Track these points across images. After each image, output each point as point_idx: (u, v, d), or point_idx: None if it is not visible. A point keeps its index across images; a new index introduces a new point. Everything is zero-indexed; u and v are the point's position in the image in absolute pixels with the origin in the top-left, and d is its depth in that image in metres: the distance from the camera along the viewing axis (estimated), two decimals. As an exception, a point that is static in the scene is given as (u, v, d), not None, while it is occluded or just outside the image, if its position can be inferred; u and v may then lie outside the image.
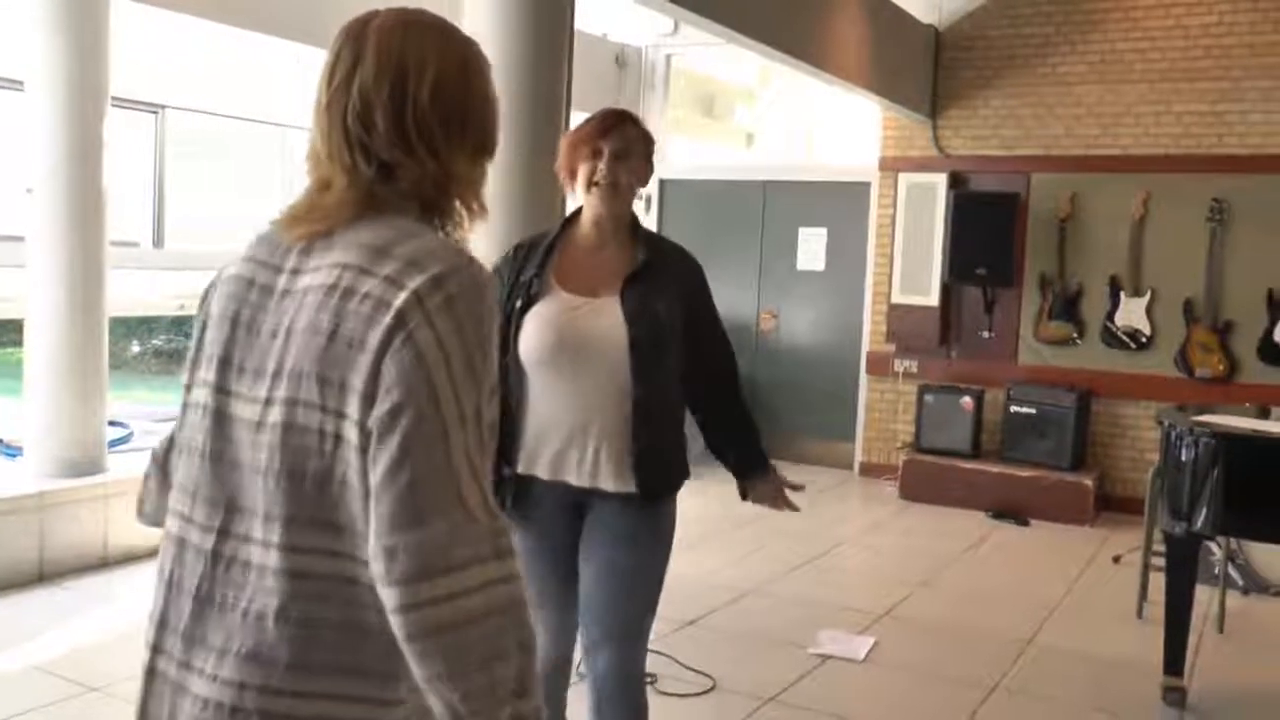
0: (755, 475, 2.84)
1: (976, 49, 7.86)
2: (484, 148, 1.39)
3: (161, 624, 1.32)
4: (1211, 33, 7.16)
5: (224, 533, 1.28)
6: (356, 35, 1.32)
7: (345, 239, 1.28)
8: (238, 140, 6.99)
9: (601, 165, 2.55)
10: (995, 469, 7.34)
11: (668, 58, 9.07)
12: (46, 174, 5.06)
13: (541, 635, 2.25)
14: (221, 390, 1.31)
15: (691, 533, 6.07)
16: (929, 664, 4.51)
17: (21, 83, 5.13)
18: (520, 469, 2.56)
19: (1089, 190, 7.49)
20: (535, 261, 2.61)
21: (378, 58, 1.30)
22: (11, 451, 5.38)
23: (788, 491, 2.87)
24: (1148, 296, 7.31)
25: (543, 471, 2.55)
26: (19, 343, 5.54)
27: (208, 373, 1.33)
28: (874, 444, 8.27)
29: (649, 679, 4.03)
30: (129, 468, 5.39)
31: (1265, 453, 4.01)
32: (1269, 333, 6.96)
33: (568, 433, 2.52)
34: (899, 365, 8.08)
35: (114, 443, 5.58)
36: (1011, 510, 7.13)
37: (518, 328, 2.53)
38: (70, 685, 3.81)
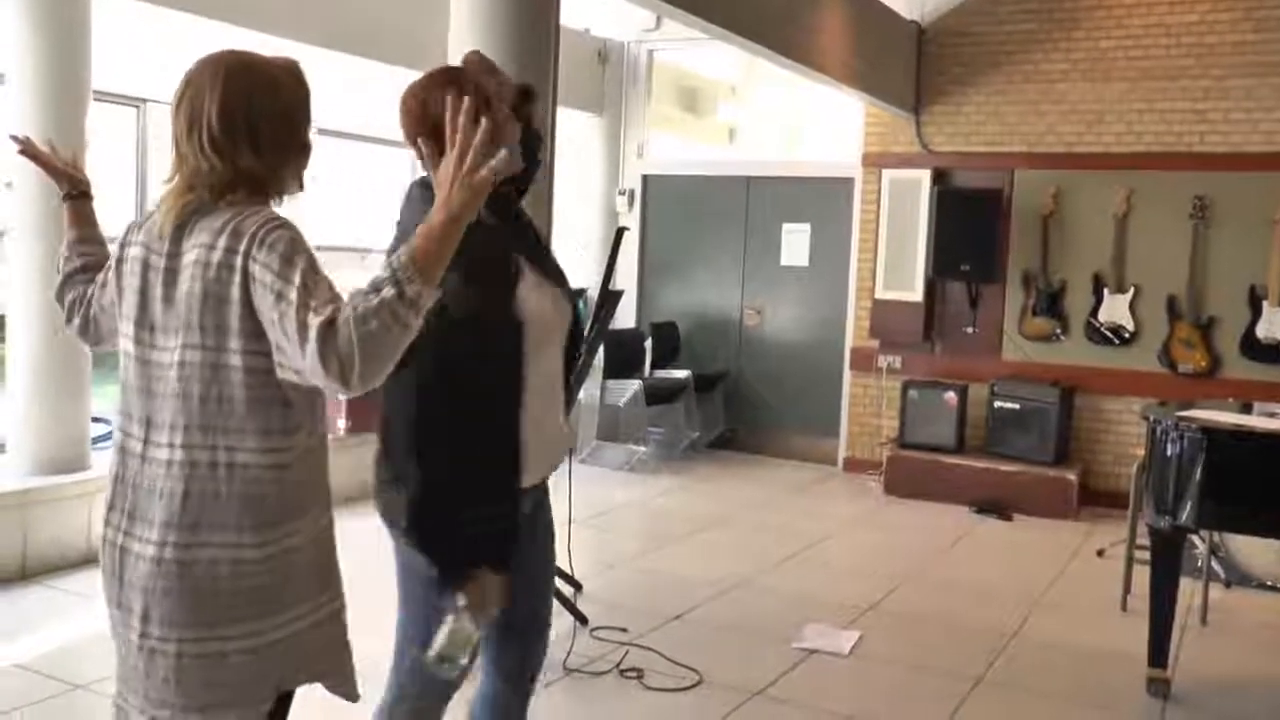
0: None
1: (960, 45, 7.88)
2: (285, 150, 1.87)
3: (110, 507, 1.90)
4: (1194, 31, 7.20)
5: (147, 441, 1.84)
6: (187, 74, 1.87)
7: (202, 225, 1.81)
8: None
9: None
10: (979, 464, 7.37)
11: (650, 53, 9.06)
12: (29, 169, 5.00)
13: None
14: (139, 342, 1.86)
15: (677, 528, 6.09)
16: (914, 657, 4.53)
17: (2, 76, 5.09)
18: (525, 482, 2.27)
19: (1072, 187, 7.53)
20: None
21: (202, 88, 1.83)
22: (-7, 448, 5.35)
23: None
24: (1131, 293, 7.35)
25: (538, 476, 2.36)
26: (1, 339, 5.50)
27: (126, 329, 1.88)
28: (858, 439, 8.29)
29: (634, 673, 4.05)
30: (112, 464, 5.37)
31: (1248, 447, 4.04)
32: (1251, 328, 7.00)
33: (555, 417, 2.38)
34: (883, 361, 8.10)
35: (98, 439, 5.54)
36: (995, 505, 7.16)
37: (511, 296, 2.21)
38: (54, 683, 3.79)
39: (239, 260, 1.74)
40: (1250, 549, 5.53)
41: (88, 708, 3.67)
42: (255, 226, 1.75)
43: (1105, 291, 7.41)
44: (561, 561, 4.72)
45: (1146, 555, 4.28)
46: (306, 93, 1.91)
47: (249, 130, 1.81)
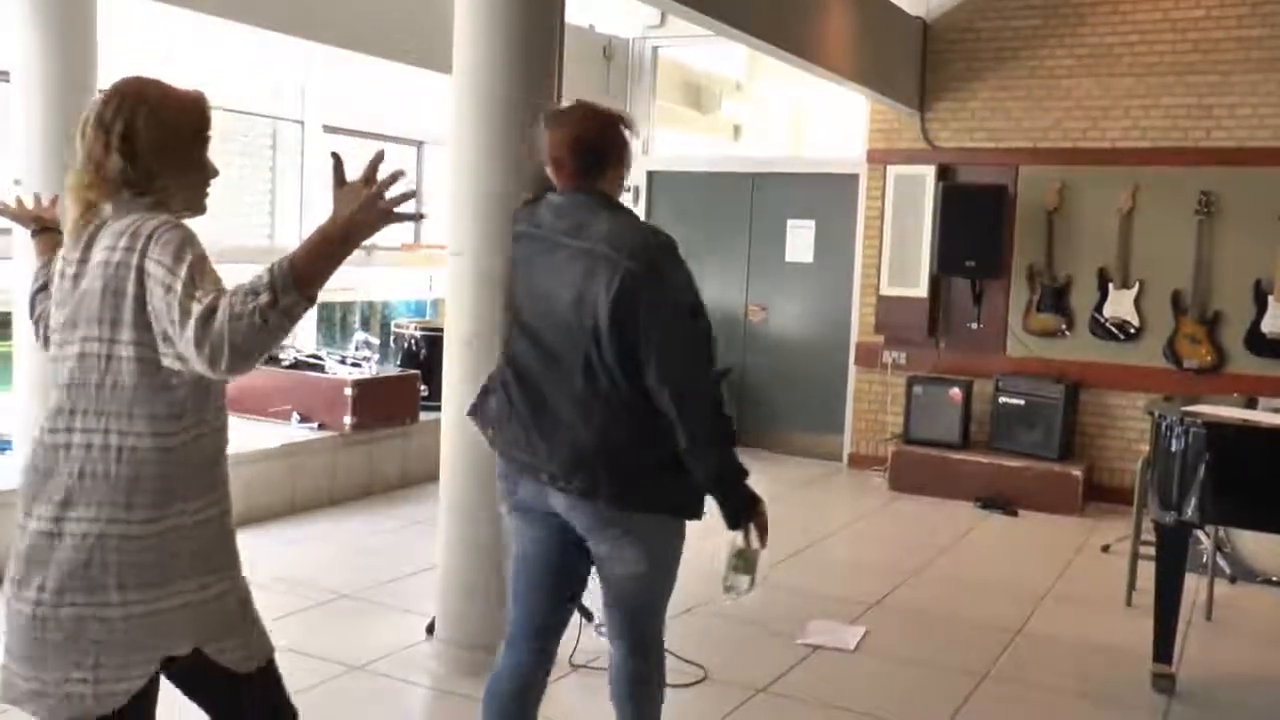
0: None
1: (965, 41, 7.87)
2: (181, 168, 2.04)
3: (21, 495, 2.04)
4: (1199, 26, 7.19)
5: (53, 430, 1.99)
6: (102, 94, 2.04)
7: (106, 231, 1.98)
8: (227, 131, 6.96)
9: None
10: (984, 460, 7.37)
11: (655, 49, 9.06)
12: (34, 165, 5.02)
13: None
14: (59, 343, 2.03)
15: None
16: (919, 653, 4.53)
17: (7, 74, 5.10)
18: None
19: (1077, 183, 7.52)
20: None
21: (96, 105, 2.02)
22: (1, 444, 5.36)
23: None
24: (1136, 288, 7.35)
25: None
26: (7, 337, 5.51)
27: (55, 334, 2.06)
28: (863, 435, 8.29)
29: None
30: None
31: (1253, 442, 4.05)
32: (1256, 324, 6.99)
33: None
34: (888, 357, 8.10)
35: (103, 436, 5.55)
36: (1000, 500, 7.16)
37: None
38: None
39: (135, 259, 1.90)
40: (1256, 544, 5.53)
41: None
42: (151, 228, 1.92)
43: (1110, 287, 7.40)
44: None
45: (1152, 551, 4.28)
46: (198, 123, 2.08)
47: (122, 139, 1.98)
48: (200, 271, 1.86)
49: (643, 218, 8.88)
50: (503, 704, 2.78)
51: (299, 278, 1.80)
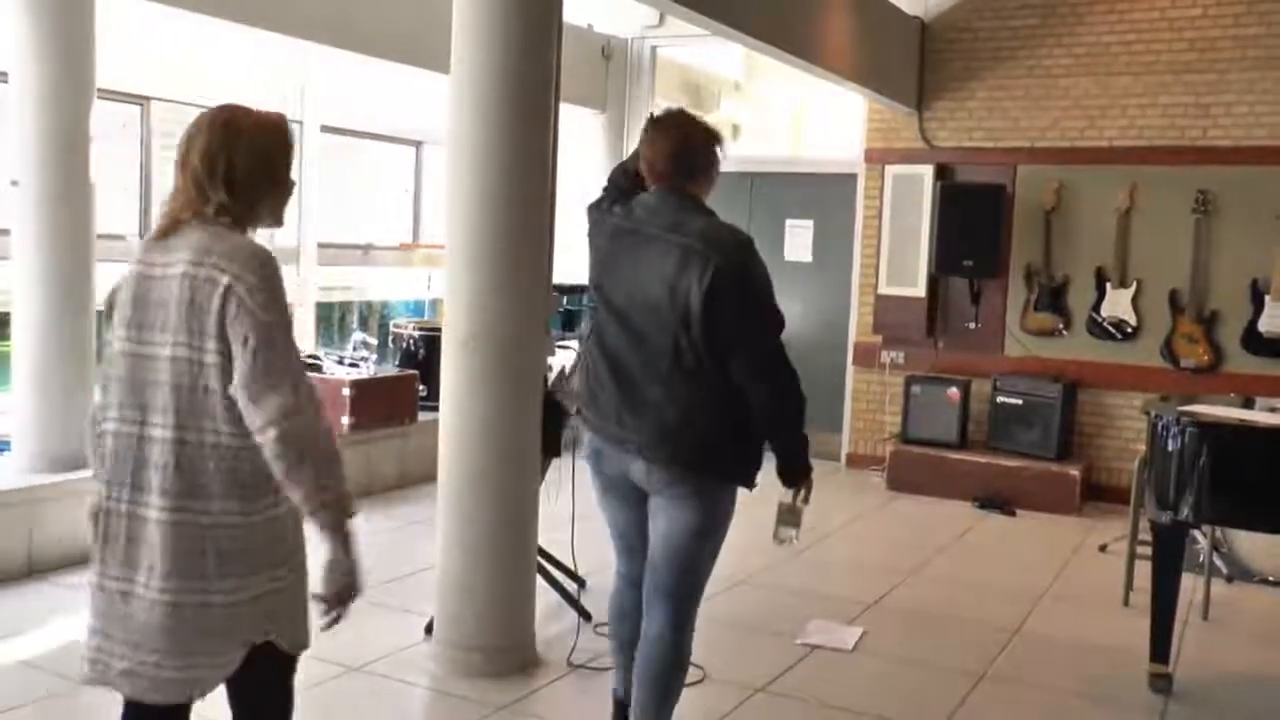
0: None
1: (963, 41, 7.88)
2: (258, 189, 2.23)
3: (110, 481, 2.20)
4: (1196, 25, 7.19)
5: (144, 423, 2.15)
6: (198, 121, 2.24)
7: (184, 243, 2.14)
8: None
9: None
10: (982, 459, 7.38)
11: (653, 49, 9.06)
12: (32, 167, 5.03)
13: None
14: (129, 340, 2.17)
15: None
16: (917, 653, 4.54)
17: (5, 74, 5.10)
18: None
19: (1075, 182, 7.53)
20: None
21: (195, 136, 2.21)
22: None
23: None
24: (1133, 288, 7.35)
25: None
26: (5, 337, 5.51)
27: (119, 332, 2.20)
28: (861, 435, 8.30)
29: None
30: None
31: (1250, 442, 4.05)
32: (1253, 323, 7.00)
33: None
34: (886, 356, 8.10)
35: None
36: (998, 500, 7.16)
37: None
38: (59, 680, 3.80)
39: (223, 279, 2.07)
40: (1252, 544, 5.54)
41: (93, 704, 3.67)
42: (243, 257, 2.11)
43: (1108, 286, 7.41)
44: (564, 558, 4.74)
45: (1149, 550, 4.28)
46: (288, 141, 2.30)
47: (226, 173, 2.16)
48: (281, 338, 2.10)
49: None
50: (635, 622, 3.20)
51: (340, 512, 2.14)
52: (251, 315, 2.05)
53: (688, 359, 2.89)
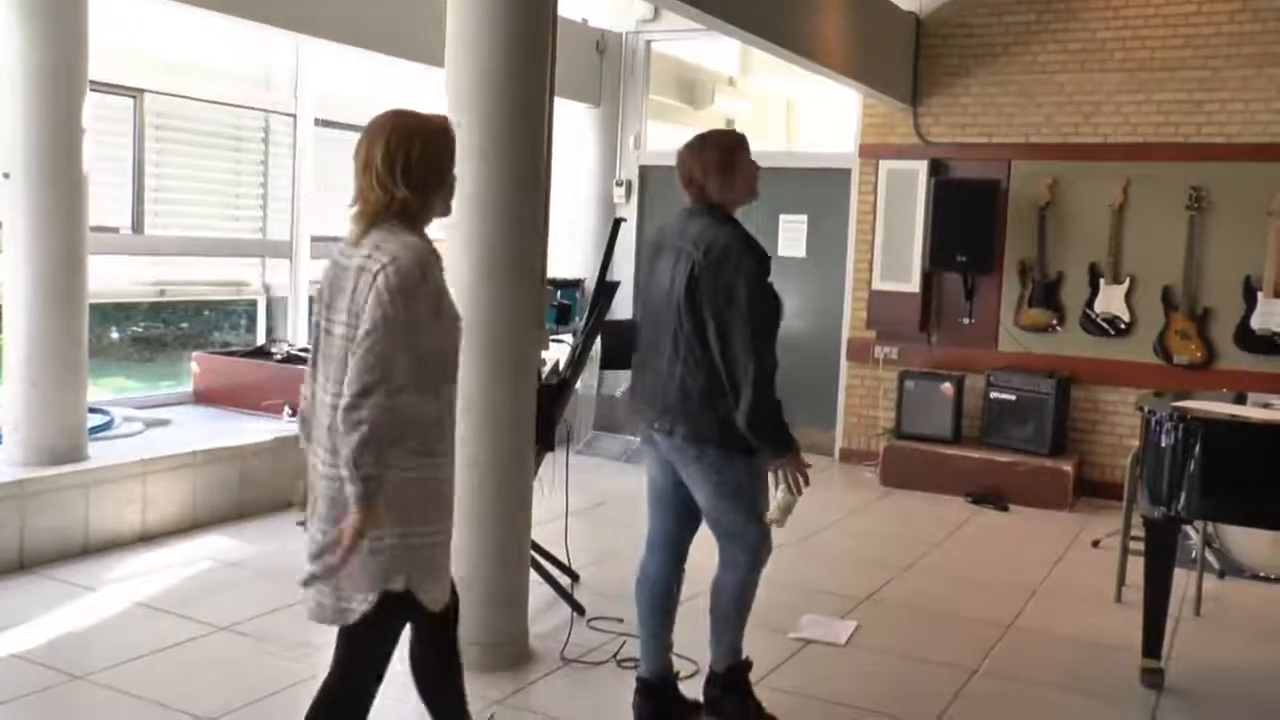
0: None
1: (957, 37, 7.88)
2: (431, 186, 2.56)
3: (308, 439, 2.63)
4: (1191, 22, 7.20)
5: (324, 390, 2.53)
6: (376, 124, 2.55)
7: (369, 239, 2.50)
8: (218, 125, 6.93)
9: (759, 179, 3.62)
10: (975, 454, 7.39)
11: (648, 44, 9.05)
12: (24, 159, 5.01)
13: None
14: (323, 319, 2.57)
15: (674, 519, 6.11)
16: (910, 648, 4.55)
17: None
18: None
19: (1069, 178, 7.54)
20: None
21: (374, 140, 2.53)
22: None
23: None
24: (1127, 284, 7.37)
25: None
26: (-3, 329, 5.49)
27: (319, 311, 2.59)
28: (855, 430, 8.31)
29: (632, 664, 4.07)
30: (109, 455, 5.37)
31: (1242, 438, 4.06)
32: (1245, 320, 7.02)
33: None
34: (879, 352, 8.11)
35: (94, 430, 5.55)
36: (991, 495, 7.18)
37: (774, 294, 3.40)
38: (53, 674, 3.79)
39: (375, 269, 2.42)
40: (1244, 540, 5.55)
41: (86, 698, 3.68)
42: (403, 251, 2.44)
43: (1101, 282, 7.42)
44: (558, 552, 4.74)
45: (1141, 546, 4.29)
46: (452, 140, 2.63)
47: (404, 171, 2.48)
48: (401, 331, 2.40)
49: (634, 214, 8.90)
50: (651, 589, 3.65)
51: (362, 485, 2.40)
52: (379, 301, 2.38)
53: (682, 346, 3.35)
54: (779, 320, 3.43)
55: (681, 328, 3.34)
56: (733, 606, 3.60)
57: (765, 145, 9.01)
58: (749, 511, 3.44)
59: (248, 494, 5.87)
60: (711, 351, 3.30)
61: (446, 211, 2.65)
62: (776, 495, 3.38)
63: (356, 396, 2.35)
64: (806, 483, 3.37)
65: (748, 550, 3.50)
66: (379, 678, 2.65)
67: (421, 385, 2.47)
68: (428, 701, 2.84)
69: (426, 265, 2.45)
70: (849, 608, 4.96)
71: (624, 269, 8.63)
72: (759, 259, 3.35)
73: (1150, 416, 4.20)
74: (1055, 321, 7.59)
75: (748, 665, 3.72)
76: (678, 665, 3.97)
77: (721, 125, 10.03)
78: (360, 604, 2.50)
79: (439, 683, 2.82)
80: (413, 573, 2.51)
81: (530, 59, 3.94)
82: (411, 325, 2.40)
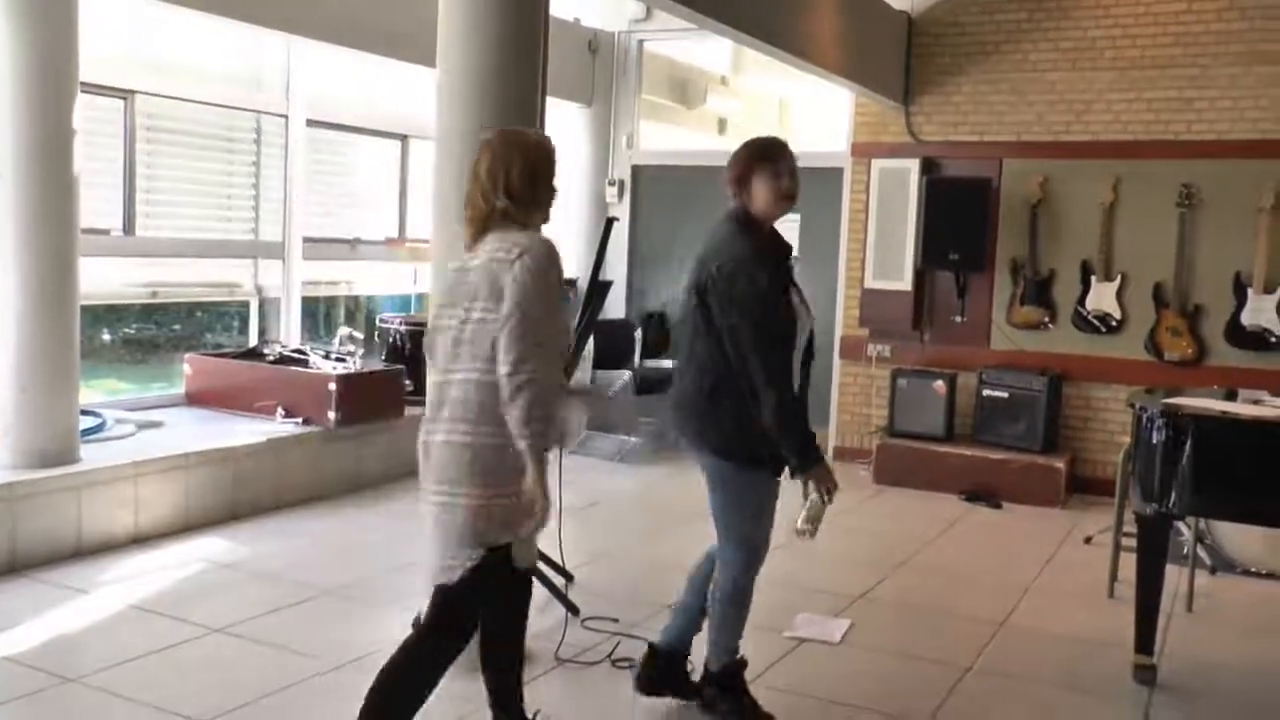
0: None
1: (949, 36, 7.89)
2: (532, 197, 2.95)
3: (426, 419, 3.00)
4: (1181, 20, 7.22)
5: (448, 371, 2.92)
6: (485, 143, 3.00)
7: (486, 241, 2.92)
8: (210, 126, 6.92)
9: (786, 183, 3.51)
10: (968, 452, 7.40)
11: (640, 43, 9.05)
12: (14, 161, 4.99)
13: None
14: (439, 317, 2.99)
15: (668, 518, 6.11)
16: (904, 645, 4.56)
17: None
18: None
19: (1060, 176, 7.55)
20: (776, 252, 3.52)
21: (481, 154, 2.99)
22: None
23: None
24: (1118, 281, 7.39)
25: None
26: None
27: (435, 310, 3.07)
28: (848, 428, 8.32)
29: (626, 664, 4.07)
30: (102, 457, 5.36)
31: (1233, 434, 4.07)
32: (1236, 316, 7.04)
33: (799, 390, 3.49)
34: (872, 350, 8.13)
35: (86, 432, 5.53)
36: (984, 493, 7.19)
37: (789, 305, 3.43)
38: (45, 676, 3.79)
39: (513, 257, 2.80)
40: (1235, 536, 5.57)
41: (78, 701, 3.67)
42: (532, 243, 2.83)
43: (1093, 280, 7.44)
44: (552, 552, 4.74)
45: (1133, 542, 4.30)
46: (552, 157, 2.99)
47: (506, 184, 2.89)
48: (540, 308, 2.78)
49: (627, 213, 8.91)
50: (691, 579, 3.81)
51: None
52: (520, 284, 2.75)
53: (697, 353, 3.48)
54: (794, 327, 3.46)
55: (696, 335, 3.47)
56: (728, 606, 3.63)
57: (757, 144, 9.03)
58: (744, 513, 3.51)
59: (240, 495, 5.86)
60: (719, 359, 3.40)
61: (546, 219, 2.99)
62: (806, 505, 3.39)
63: (514, 364, 2.72)
64: (836, 489, 3.43)
65: (741, 550, 3.55)
66: (463, 642, 2.98)
67: (548, 358, 2.82)
68: (496, 673, 3.18)
69: (552, 253, 2.84)
70: (843, 606, 4.97)
71: (616, 269, 8.64)
72: (769, 269, 3.41)
73: (1142, 413, 4.21)
74: (1047, 319, 7.60)
75: (743, 664, 3.73)
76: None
77: (714, 124, 10.07)
78: (466, 561, 2.84)
79: (510, 656, 3.17)
80: (505, 531, 2.84)
81: (522, 58, 3.94)
82: (544, 304, 2.77)
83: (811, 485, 3.38)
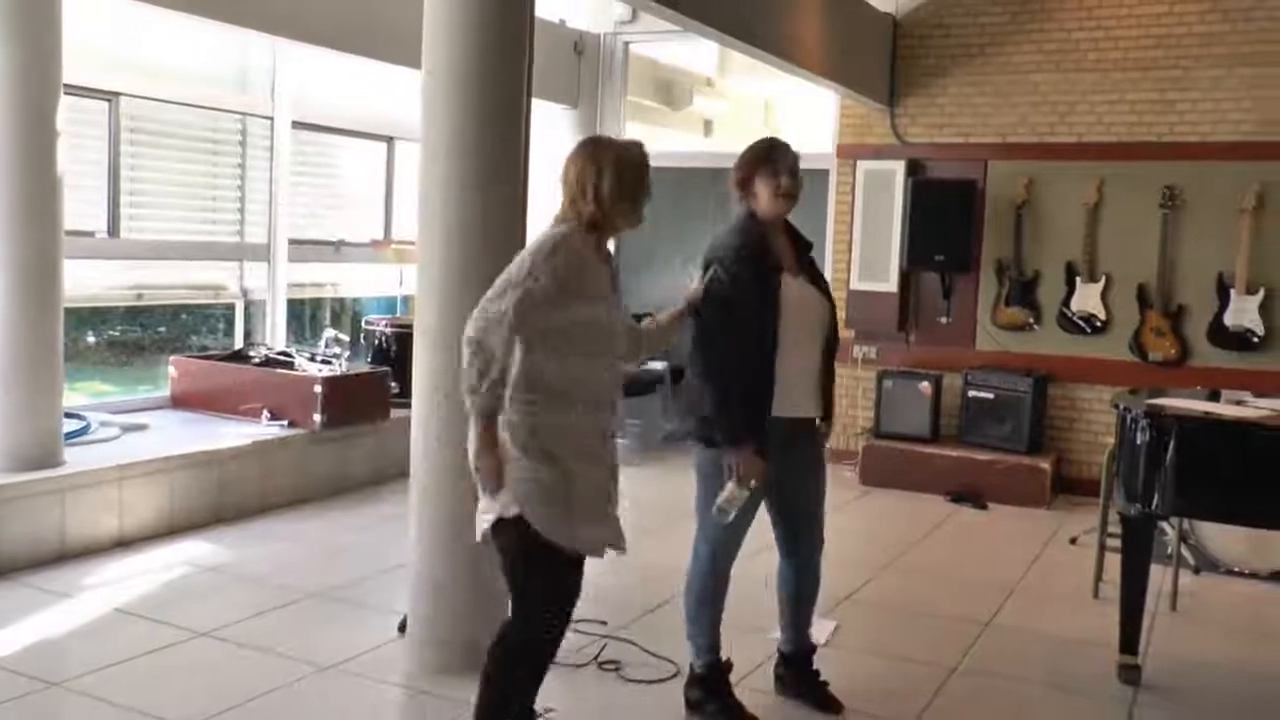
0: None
1: (934, 38, 7.92)
2: (617, 202, 3.07)
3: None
4: (1162, 22, 7.26)
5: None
6: (575, 151, 3.14)
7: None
8: (195, 128, 6.89)
9: (784, 181, 3.68)
10: (954, 453, 7.43)
11: (626, 45, 9.05)
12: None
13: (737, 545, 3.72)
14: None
15: (654, 520, 6.11)
16: (890, 646, 4.57)
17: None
18: (773, 412, 3.49)
19: (1045, 177, 7.59)
20: (762, 250, 3.58)
21: (570, 162, 3.12)
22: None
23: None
24: (1102, 282, 7.42)
25: (785, 411, 3.51)
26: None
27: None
28: (834, 430, 8.31)
29: (613, 665, 4.08)
30: (86, 460, 5.33)
31: (1216, 435, 4.09)
32: (1219, 317, 7.08)
33: (803, 377, 3.57)
34: (858, 351, 8.14)
35: (70, 435, 5.51)
36: (970, 493, 7.22)
37: (777, 300, 3.49)
38: (28, 681, 3.77)
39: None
40: (1219, 536, 5.60)
41: (62, 705, 3.65)
42: (538, 240, 3.02)
43: (1078, 281, 7.47)
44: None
45: (1118, 543, 4.32)
46: (640, 164, 3.10)
47: (595, 191, 3.02)
48: (515, 292, 2.90)
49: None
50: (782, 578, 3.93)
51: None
52: (508, 269, 2.94)
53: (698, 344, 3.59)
54: (768, 322, 3.50)
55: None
56: (699, 597, 3.74)
57: (743, 146, 9.04)
58: (707, 508, 3.61)
59: (225, 498, 5.84)
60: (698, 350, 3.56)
61: (634, 224, 3.11)
62: (725, 487, 3.48)
63: (467, 330, 2.95)
64: (756, 481, 3.47)
65: (707, 542, 3.69)
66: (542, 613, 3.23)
67: (568, 350, 2.98)
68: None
69: (554, 250, 2.96)
70: (829, 607, 4.97)
71: (603, 270, 8.61)
72: (747, 267, 3.51)
73: (1125, 414, 4.23)
74: (1032, 320, 7.63)
75: (728, 667, 3.75)
76: (655, 666, 3.98)
77: (699, 126, 10.08)
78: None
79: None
80: (513, 504, 3.01)
81: (508, 60, 3.93)
82: (527, 288, 2.88)
83: (734, 467, 3.45)
